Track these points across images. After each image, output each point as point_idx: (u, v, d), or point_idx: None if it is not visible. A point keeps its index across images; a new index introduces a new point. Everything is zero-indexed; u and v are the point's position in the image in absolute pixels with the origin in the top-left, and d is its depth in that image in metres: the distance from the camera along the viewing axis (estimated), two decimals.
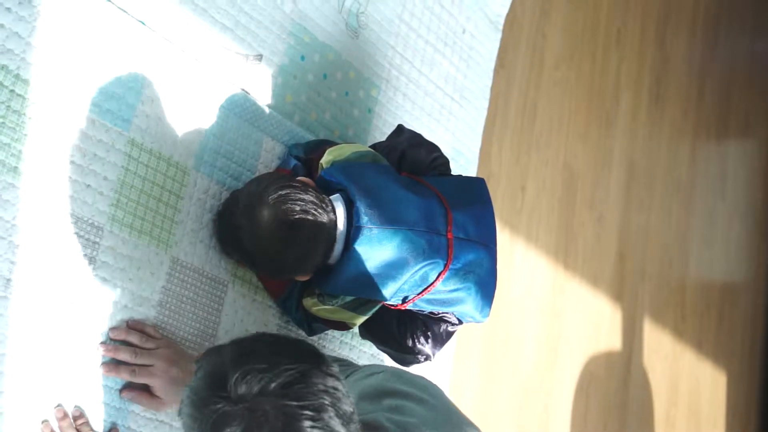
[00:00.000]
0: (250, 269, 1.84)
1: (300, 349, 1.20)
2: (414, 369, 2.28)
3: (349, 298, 1.80)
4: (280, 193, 1.68)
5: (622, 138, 3.37)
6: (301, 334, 1.93)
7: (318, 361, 1.18)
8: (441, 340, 1.94)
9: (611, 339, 3.28)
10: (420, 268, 1.77)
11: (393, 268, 1.76)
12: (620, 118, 3.36)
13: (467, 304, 1.86)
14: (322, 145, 1.93)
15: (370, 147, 1.96)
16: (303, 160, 1.93)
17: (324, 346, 2.06)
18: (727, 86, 4.29)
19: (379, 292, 1.76)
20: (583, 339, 3.11)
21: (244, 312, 1.87)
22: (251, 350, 1.17)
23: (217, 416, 1.11)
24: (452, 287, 1.83)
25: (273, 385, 1.11)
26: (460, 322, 1.95)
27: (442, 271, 1.79)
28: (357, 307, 1.81)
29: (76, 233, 1.57)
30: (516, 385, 2.75)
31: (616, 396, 3.29)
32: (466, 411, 2.51)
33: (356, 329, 1.97)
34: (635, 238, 3.43)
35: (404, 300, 1.84)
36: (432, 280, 1.80)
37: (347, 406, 1.16)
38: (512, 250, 2.77)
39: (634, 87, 3.47)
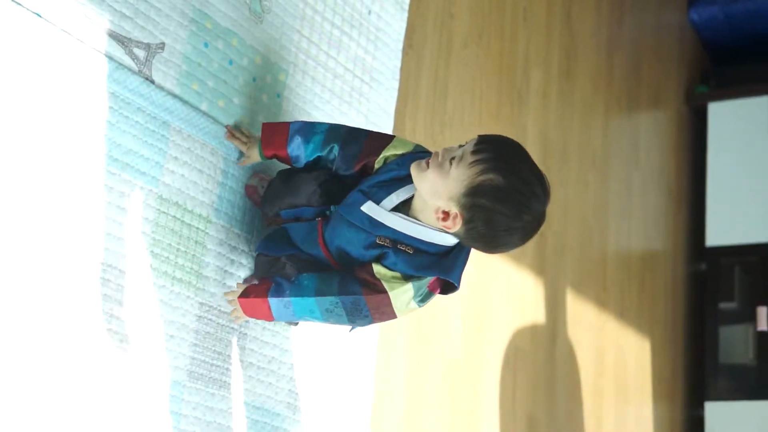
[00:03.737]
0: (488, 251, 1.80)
1: None
2: (339, 347, 2.28)
3: (424, 287, 1.80)
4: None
5: (534, 114, 3.40)
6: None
7: None
8: None
9: (536, 313, 3.32)
10: None
11: None
12: (532, 94, 3.40)
13: None
14: (361, 151, 1.91)
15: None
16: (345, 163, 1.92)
17: (245, 347, 2.05)
18: (636, 59, 4.37)
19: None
20: (507, 314, 3.13)
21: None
22: None
23: None
24: None
25: None
26: None
27: None
28: (425, 298, 1.82)
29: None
30: (444, 364, 2.77)
31: (543, 369, 3.33)
32: (396, 389, 2.53)
33: None
34: (554, 212, 3.47)
35: None
36: None
37: None
38: None
39: (543, 63, 3.50)
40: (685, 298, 4.72)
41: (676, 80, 4.86)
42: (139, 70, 1.84)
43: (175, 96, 1.91)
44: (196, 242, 1.94)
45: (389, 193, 1.82)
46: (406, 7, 2.64)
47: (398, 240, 1.77)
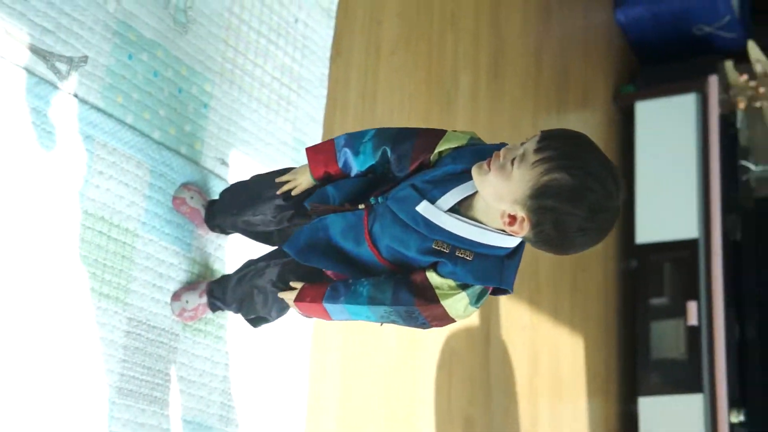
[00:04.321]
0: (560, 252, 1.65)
1: None
2: (272, 357, 2.27)
3: (479, 288, 1.69)
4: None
5: (464, 116, 3.43)
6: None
7: None
8: None
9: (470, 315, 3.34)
10: None
11: None
12: (461, 97, 3.42)
13: None
14: (411, 150, 1.77)
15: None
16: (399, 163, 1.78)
17: (175, 361, 2.04)
18: (564, 60, 4.42)
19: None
20: None
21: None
22: None
23: None
24: None
25: None
26: None
27: None
28: (479, 299, 1.72)
29: None
30: (378, 369, 2.77)
31: (478, 370, 3.36)
32: (330, 396, 2.53)
33: None
34: None
35: None
36: None
37: None
38: None
39: (472, 67, 3.53)
40: (616, 295, 4.79)
41: (604, 80, 4.93)
42: (61, 85, 1.82)
43: (99, 109, 1.90)
44: (123, 257, 1.93)
45: (444, 192, 1.68)
46: (333, 15, 2.65)
47: (457, 245, 1.65)
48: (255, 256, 2.00)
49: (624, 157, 5.01)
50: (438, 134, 1.76)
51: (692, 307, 4.59)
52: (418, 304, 1.67)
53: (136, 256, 1.96)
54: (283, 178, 1.90)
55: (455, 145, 1.74)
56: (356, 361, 2.67)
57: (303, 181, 1.87)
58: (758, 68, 5.05)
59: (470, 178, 1.65)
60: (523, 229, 1.58)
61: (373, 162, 1.79)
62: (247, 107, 2.31)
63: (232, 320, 2.18)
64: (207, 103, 2.19)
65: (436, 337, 3.10)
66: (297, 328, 2.36)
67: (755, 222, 4.85)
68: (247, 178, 2.09)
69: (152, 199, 2.01)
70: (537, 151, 1.55)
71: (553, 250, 1.62)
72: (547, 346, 3.91)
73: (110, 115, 1.92)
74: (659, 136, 4.88)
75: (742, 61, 5.12)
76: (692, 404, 4.51)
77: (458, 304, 1.67)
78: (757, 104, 5.14)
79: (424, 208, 1.67)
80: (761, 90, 5.07)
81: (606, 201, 1.54)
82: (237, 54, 2.29)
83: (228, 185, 2.15)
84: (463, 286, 1.66)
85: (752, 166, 5.07)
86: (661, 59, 5.22)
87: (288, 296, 1.84)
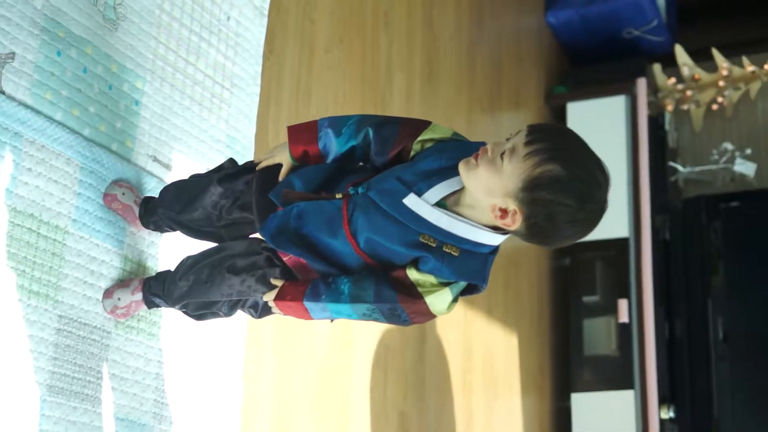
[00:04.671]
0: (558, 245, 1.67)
1: None
2: (206, 353, 2.27)
3: (463, 285, 1.69)
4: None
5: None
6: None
7: None
8: None
9: None
10: None
11: None
12: (395, 98, 3.45)
13: None
14: (392, 137, 1.76)
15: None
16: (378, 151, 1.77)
17: (107, 358, 2.02)
18: (497, 61, 4.47)
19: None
20: None
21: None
22: None
23: None
24: None
25: None
26: None
27: None
28: (460, 294, 1.71)
29: None
30: (313, 366, 2.78)
31: (413, 367, 3.38)
32: (265, 392, 2.53)
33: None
34: None
35: None
36: None
37: None
38: None
39: (406, 67, 3.56)
40: (549, 292, 4.86)
41: (536, 81, 5.00)
42: None
43: (27, 106, 1.88)
44: (53, 254, 1.91)
45: (430, 186, 1.67)
46: (266, 13, 2.65)
47: (444, 240, 1.65)
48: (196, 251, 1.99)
49: None
50: (423, 124, 1.76)
51: (623, 304, 4.68)
52: (401, 300, 1.66)
53: (66, 254, 1.94)
54: (261, 157, 1.87)
55: (438, 137, 1.73)
56: (291, 357, 2.68)
57: (281, 159, 1.84)
58: (685, 72, 5.17)
59: (455, 174, 1.66)
60: (516, 222, 1.60)
61: (355, 143, 1.77)
62: (179, 105, 2.30)
63: (166, 317, 2.18)
64: (138, 100, 2.18)
65: (371, 333, 3.12)
66: (231, 325, 2.36)
67: (683, 222, 4.95)
68: (185, 177, 2.09)
69: (83, 196, 2.00)
70: (527, 144, 1.57)
71: (541, 242, 1.65)
72: (481, 343, 3.95)
73: (39, 112, 1.91)
74: (590, 136, 4.86)
75: (670, 64, 5.23)
76: (624, 400, 4.59)
77: (441, 301, 1.67)
78: (685, 107, 5.26)
79: (411, 201, 1.67)
80: (688, 93, 5.18)
81: (595, 191, 1.58)
82: (168, 51, 2.29)
83: (167, 184, 2.13)
84: (446, 283, 1.66)
85: (680, 168, 5.18)
86: (591, 61, 5.31)
87: (268, 296, 1.82)
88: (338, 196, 1.74)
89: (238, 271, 1.85)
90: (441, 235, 1.65)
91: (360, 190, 1.72)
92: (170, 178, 2.23)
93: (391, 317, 1.71)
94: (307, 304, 1.74)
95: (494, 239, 1.67)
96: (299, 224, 1.76)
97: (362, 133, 1.76)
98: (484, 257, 1.67)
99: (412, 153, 1.73)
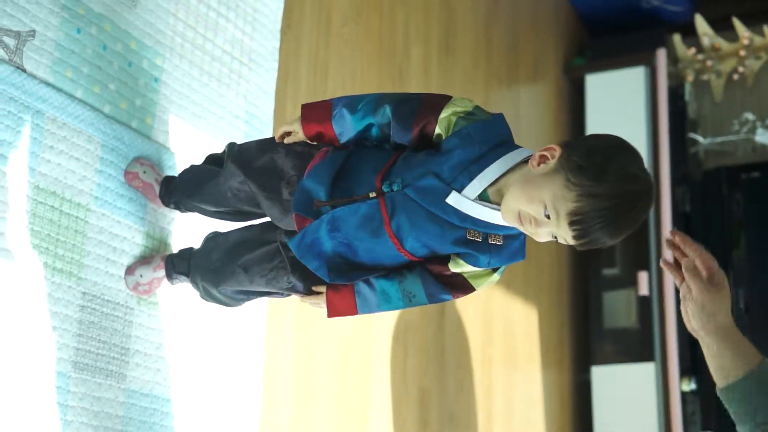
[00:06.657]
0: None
1: None
2: (228, 328, 2.28)
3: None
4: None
5: (416, 90, 3.44)
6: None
7: None
8: None
9: None
10: None
11: None
12: (412, 71, 3.43)
13: None
14: (414, 114, 1.71)
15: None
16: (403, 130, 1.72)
17: (130, 335, 2.04)
18: (514, 33, 4.44)
19: None
20: None
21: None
22: None
23: None
24: None
25: None
26: None
27: None
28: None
29: None
30: (333, 342, 2.79)
31: (433, 341, 3.39)
32: (283, 375, 2.54)
33: None
34: None
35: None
36: None
37: None
38: None
39: (423, 40, 3.54)
40: (569, 265, 4.85)
41: (554, 53, 4.97)
42: (9, 59, 1.81)
43: (48, 84, 1.89)
44: (75, 231, 1.92)
45: (470, 179, 1.64)
46: None
47: (488, 232, 1.65)
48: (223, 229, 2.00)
49: (574, 130, 5.05)
50: (443, 98, 1.71)
51: (643, 277, 4.66)
52: (455, 296, 1.73)
53: (89, 231, 1.95)
54: (280, 130, 1.83)
55: (461, 109, 1.67)
56: (311, 333, 2.69)
57: (299, 131, 1.79)
58: (705, 42, 5.12)
59: (491, 160, 1.64)
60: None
61: (372, 120, 1.72)
62: (198, 81, 2.30)
63: (188, 294, 2.19)
64: (158, 77, 2.19)
65: None
66: (252, 301, 2.36)
67: (704, 193, 4.92)
68: (203, 159, 2.08)
69: (104, 173, 2.00)
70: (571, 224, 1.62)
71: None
72: (500, 316, 3.95)
73: (60, 90, 1.91)
74: (609, 108, 4.93)
75: (690, 34, 5.18)
76: (644, 373, 4.59)
77: (489, 283, 1.73)
78: (705, 77, 5.21)
79: (454, 199, 1.64)
80: (708, 63, 5.14)
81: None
82: (187, 28, 2.29)
83: (187, 167, 2.12)
84: (495, 269, 1.71)
85: (700, 139, 5.14)
86: (610, 32, 5.26)
87: (316, 307, 1.86)
88: (372, 195, 1.69)
89: (250, 271, 1.90)
90: (485, 227, 1.66)
91: (395, 187, 1.68)
92: (190, 155, 2.23)
93: (437, 302, 1.76)
94: (361, 311, 1.81)
95: None
96: (334, 228, 1.72)
97: (381, 110, 1.71)
98: (522, 235, 1.69)
99: (437, 132, 1.68)
